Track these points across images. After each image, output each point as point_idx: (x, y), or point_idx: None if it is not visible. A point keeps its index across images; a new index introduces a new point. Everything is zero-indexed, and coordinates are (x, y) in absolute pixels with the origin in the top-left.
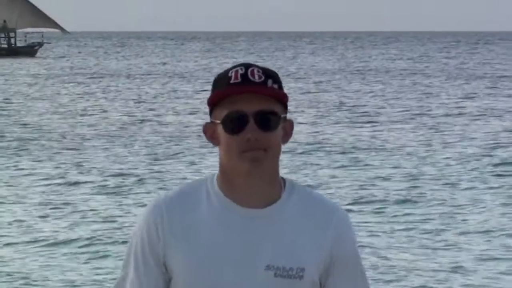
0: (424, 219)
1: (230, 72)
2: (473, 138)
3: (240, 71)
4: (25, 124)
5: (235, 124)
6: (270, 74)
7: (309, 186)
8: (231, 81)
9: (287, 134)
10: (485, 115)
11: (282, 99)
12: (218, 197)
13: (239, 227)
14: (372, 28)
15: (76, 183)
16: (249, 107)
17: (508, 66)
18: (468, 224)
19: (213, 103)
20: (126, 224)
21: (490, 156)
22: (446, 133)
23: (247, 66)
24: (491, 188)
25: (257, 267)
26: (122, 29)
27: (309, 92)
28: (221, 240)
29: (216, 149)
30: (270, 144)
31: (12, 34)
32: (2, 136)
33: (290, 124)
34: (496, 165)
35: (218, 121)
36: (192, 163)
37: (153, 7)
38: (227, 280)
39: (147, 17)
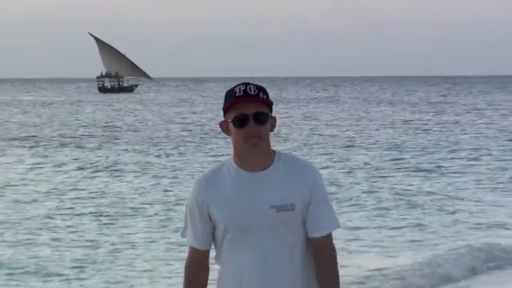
0: None
1: (236, 88)
2: None
3: (242, 88)
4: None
5: (240, 122)
6: (261, 89)
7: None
8: (237, 94)
9: (273, 125)
10: None
11: (269, 104)
12: (234, 169)
13: (249, 184)
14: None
15: None
16: (249, 110)
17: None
18: None
19: (226, 109)
20: None
21: None
22: None
23: (246, 84)
24: None
25: (265, 207)
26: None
27: None
28: (239, 193)
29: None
30: (263, 133)
31: (121, 79)
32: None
33: (274, 119)
34: None
35: (230, 120)
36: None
37: None
38: (247, 218)
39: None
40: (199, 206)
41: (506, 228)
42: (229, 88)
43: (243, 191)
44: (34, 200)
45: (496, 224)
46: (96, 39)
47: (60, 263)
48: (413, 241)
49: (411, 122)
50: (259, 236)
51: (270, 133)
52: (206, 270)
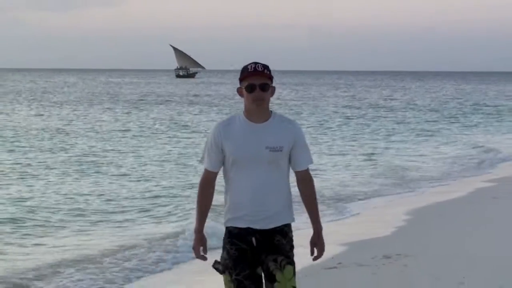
0: None
1: (248, 65)
2: None
3: (252, 66)
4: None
5: (250, 89)
6: (266, 67)
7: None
8: (249, 70)
9: (272, 93)
10: None
11: (271, 78)
12: (244, 119)
13: (252, 131)
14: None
15: None
16: (256, 81)
17: None
18: None
19: (242, 79)
20: None
21: None
22: None
23: (255, 63)
24: None
25: (261, 147)
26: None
27: None
28: (245, 136)
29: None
30: (265, 97)
31: (188, 70)
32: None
33: (274, 88)
34: None
35: (243, 87)
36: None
37: None
38: (249, 154)
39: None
40: (216, 142)
41: None
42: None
43: (248, 135)
44: None
45: None
46: (174, 48)
47: None
48: None
49: None
50: (255, 166)
51: (270, 98)
52: (213, 186)
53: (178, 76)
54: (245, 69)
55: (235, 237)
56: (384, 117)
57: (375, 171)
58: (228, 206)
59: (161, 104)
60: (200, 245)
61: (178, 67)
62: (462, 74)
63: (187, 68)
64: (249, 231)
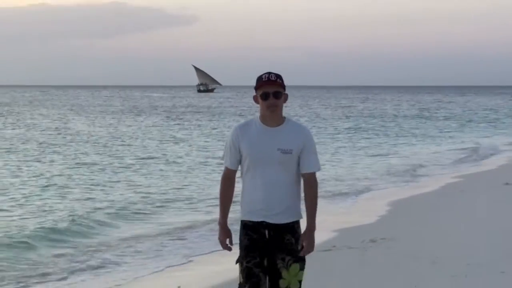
0: None
1: (263, 75)
2: None
3: (266, 75)
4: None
5: (265, 97)
6: (279, 76)
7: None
8: (263, 79)
9: (285, 100)
10: None
11: (283, 86)
12: (259, 123)
13: (266, 134)
14: None
15: None
16: (270, 90)
17: None
18: None
19: (257, 88)
20: None
21: None
22: None
23: (269, 73)
24: None
25: (274, 149)
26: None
27: None
28: (260, 138)
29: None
30: (279, 104)
31: (207, 86)
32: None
33: (286, 95)
34: None
35: (258, 95)
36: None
37: None
38: (263, 155)
39: None
40: (234, 143)
41: None
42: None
43: (262, 138)
44: None
45: None
46: (195, 67)
47: None
48: None
49: None
50: (268, 166)
51: (283, 104)
52: (233, 182)
53: (199, 91)
54: (260, 79)
55: (250, 229)
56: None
57: (369, 169)
58: (243, 202)
59: (197, 112)
60: (226, 237)
61: (199, 83)
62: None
63: (207, 84)
64: (263, 225)
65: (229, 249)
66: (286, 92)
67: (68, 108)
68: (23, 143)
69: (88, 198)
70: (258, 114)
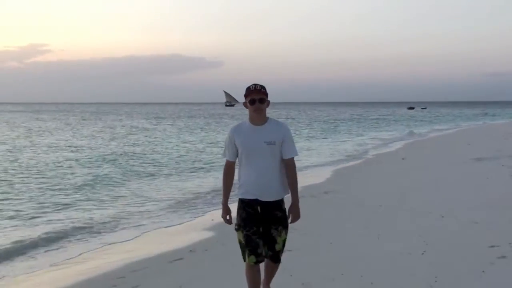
0: None
1: (250, 86)
2: None
3: (253, 86)
4: None
5: (252, 102)
6: (263, 86)
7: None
8: (251, 89)
9: (268, 104)
10: None
11: (266, 94)
12: (248, 123)
13: (254, 131)
14: None
15: None
16: (256, 97)
17: None
18: None
19: (246, 95)
20: None
21: None
22: None
23: (255, 84)
24: None
25: (261, 142)
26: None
27: None
28: (249, 134)
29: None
30: (263, 108)
31: (231, 102)
32: None
33: (268, 102)
34: None
35: (247, 101)
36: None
37: None
38: (253, 147)
39: None
40: (231, 140)
41: None
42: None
43: (252, 134)
44: None
45: None
46: (224, 92)
47: None
48: None
49: None
50: (258, 156)
51: (266, 108)
52: (233, 172)
53: (226, 105)
54: (248, 88)
55: (246, 204)
56: None
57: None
58: (240, 184)
59: (227, 118)
60: (226, 214)
61: (226, 101)
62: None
63: (231, 101)
64: (256, 202)
65: (229, 222)
66: (269, 99)
67: (187, 115)
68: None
69: None
70: (248, 117)
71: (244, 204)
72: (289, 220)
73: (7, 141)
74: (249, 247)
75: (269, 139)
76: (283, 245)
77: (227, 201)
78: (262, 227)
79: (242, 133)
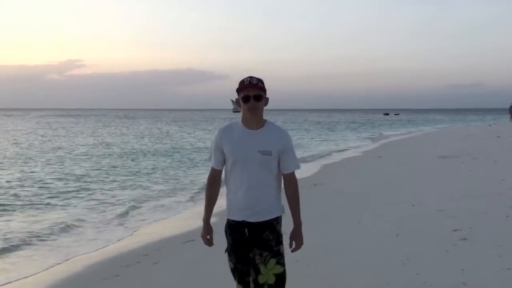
0: None
1: (245, 79)
2: None
3: (248, 79)
4: None
5: (246, 99)
6: (260, 80)
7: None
8: (245, 83)
9: (266, 103)
10: None
11: (264, 90)
12: (241, 126)
13: (247, 136)
14: None
15: None
16: (251, 93)
17: None
18: None
19: (238, 91)
20: None
21: None
22: None
23: (251, 76)
24: None
25: (254, 151)
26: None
27: None
28: (241, 140)
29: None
30: (259, 107)
31: (237, 109)
32: None
33: (267, 99)
34: None
35: (240, 98)
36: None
37: None
38: (244, 155)
39: None
40: (217, 145)
41: None
42: None
43: (243, 139)
44: None
45: None
46: (231, 100)
47: None
48: None
49: None
50: (249, 166)
51: (264, 107)
52: (219, 181)
53: (233, 111)
54: (242, 82)
55: (233, 228)
56: None
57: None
58: (227, 200)
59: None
60: (207, 233)
61: (233, 108)
62: None
63: (237, 108)
64: (244, 224)
65: (210, 244)
66: (267, 96)
67: (193, 122)
68: None
69: None
70: (238, 119)
71: (231, 228)
72: (291, 248)
73: (98, 137)
74: (236, 277)
75: (264, 147)
76: (276, 282)
77: (210, 218)
78: (251, 252)
79: (232, 137)
